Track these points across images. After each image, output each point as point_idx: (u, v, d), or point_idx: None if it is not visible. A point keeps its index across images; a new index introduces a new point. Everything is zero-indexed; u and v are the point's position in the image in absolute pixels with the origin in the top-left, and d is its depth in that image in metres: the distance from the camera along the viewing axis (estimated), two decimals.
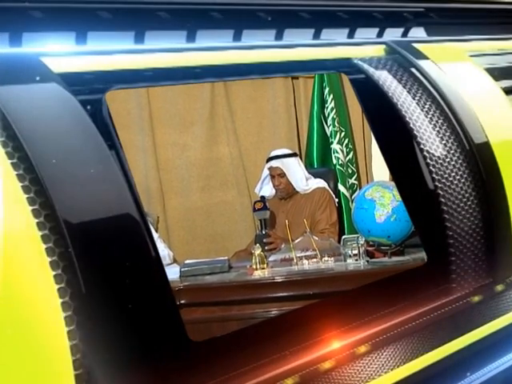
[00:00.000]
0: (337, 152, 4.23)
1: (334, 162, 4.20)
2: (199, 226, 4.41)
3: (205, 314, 2.77)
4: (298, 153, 4.01)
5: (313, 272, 2.95)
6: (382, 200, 2.88)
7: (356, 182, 4.30)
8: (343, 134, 4.30)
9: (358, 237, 2.97)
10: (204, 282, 2.95)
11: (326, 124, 4.27)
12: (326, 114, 4.27)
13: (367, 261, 2.94)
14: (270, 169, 3.71)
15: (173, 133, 4.34)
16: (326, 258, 3.04)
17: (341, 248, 3.03)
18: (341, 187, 4.12)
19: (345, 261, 2.98)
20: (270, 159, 3.74)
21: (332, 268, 2.97)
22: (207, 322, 2.70)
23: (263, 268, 3.02)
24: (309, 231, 3.22)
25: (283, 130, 4.47)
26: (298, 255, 3.07)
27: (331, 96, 4.26)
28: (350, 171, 4.29)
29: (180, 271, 3.04)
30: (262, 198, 3.60)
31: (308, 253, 3.08)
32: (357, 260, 2.95)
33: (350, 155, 4.32)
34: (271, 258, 3.12)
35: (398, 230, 2.86)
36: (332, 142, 4.24)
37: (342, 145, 4.27)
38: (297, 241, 3.14)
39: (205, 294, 2.88)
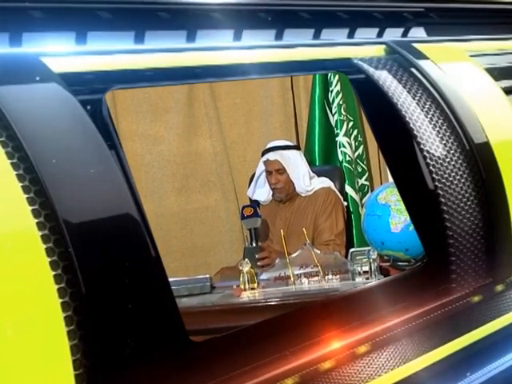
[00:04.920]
0: (343, 146, 3.53)
1: (341, 158, 3.52)
2: (174, 237, 3.76)
3: None
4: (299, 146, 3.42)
5: (314, 293, 2.50)
6: (398, 205, 2.39)
7: (367, 183, 3.61)
8: (351, 124, 3.57)
9: (369, 250, 2.50)
10: (181, 306, 2.60)
11: (331, 112, 3.55)
12: (331, 100, 3.54)
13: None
14: (267, 163, 3.09)
15: (142, 122, 3.70)
16: (330, 276, 2.56)
17: (348, 264, 2.56)
18: (348, 189, 3.44)
19: (353, 279, 2.51)
20: (265, 152, 3.11)
21: (337, 288, 2.49)
22: None
23: (253, 288, 2.54)
24: (309, 243, 2.68)
25: (278, 119, 3.76)
26: (295, 272, 2.57)
27: (336, 77, 3.51)
28: (360, 169, 3.60)
29: None
30: (253, 202, 3.11)
31: (308, 269, 2.59)
32: (367, 279, 2.46)
33: (360, 150, 3.61)
34: (263, 277, 2.61)
35: (417, 241, 2.24)
36: (338, 134, 3.53)
37: (349, 137, 3.56)
38: (294, 254, 2.62)
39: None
